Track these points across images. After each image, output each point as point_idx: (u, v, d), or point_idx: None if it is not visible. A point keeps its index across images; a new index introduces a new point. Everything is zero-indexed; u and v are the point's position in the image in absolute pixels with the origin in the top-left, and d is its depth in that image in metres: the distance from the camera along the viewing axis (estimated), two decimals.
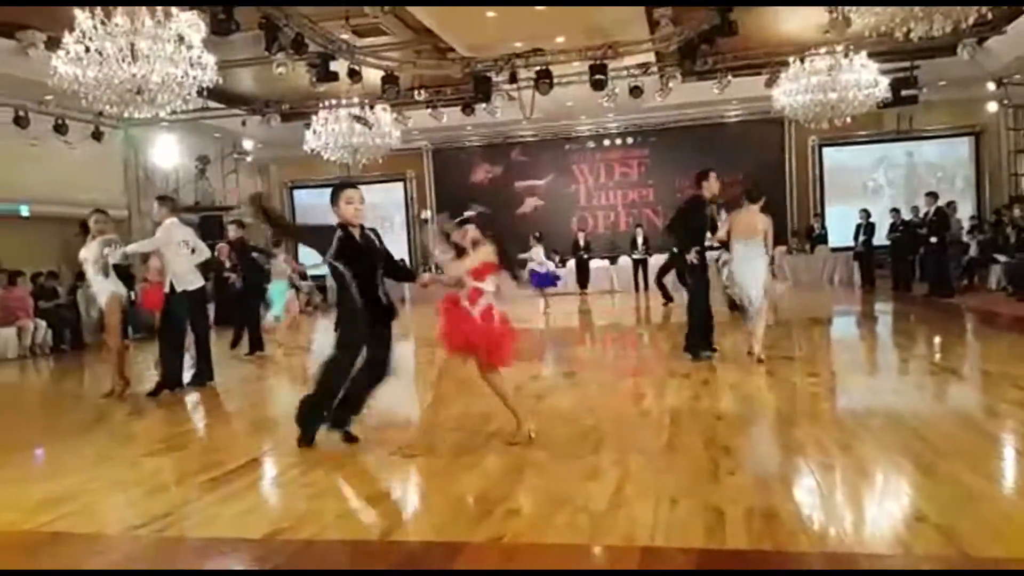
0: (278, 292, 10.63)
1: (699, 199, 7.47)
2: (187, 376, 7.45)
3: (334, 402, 4.75)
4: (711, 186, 7.44)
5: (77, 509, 3.83)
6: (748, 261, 7.18)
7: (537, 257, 14.19)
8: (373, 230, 4.87)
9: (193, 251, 7.37)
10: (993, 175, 17.97)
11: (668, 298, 13.22)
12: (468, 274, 4.59)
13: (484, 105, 14.92)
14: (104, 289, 7.27)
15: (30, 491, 4.17)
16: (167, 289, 7.27)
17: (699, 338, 7.40)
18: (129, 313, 12.69)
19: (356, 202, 4.69)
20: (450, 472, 4.10)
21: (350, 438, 4.76)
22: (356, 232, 4.69)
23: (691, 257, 7.25)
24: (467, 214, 4.73)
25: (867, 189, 18.84)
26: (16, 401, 7.51)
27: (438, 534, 3.24)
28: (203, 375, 7.52)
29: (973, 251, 14.51)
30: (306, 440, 4.74)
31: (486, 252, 4.60)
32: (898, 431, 4.45)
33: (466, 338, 4.61)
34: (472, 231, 4.66)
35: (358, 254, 4.69)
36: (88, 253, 7.27)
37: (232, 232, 10.71)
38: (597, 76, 12.94)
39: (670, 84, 14.89)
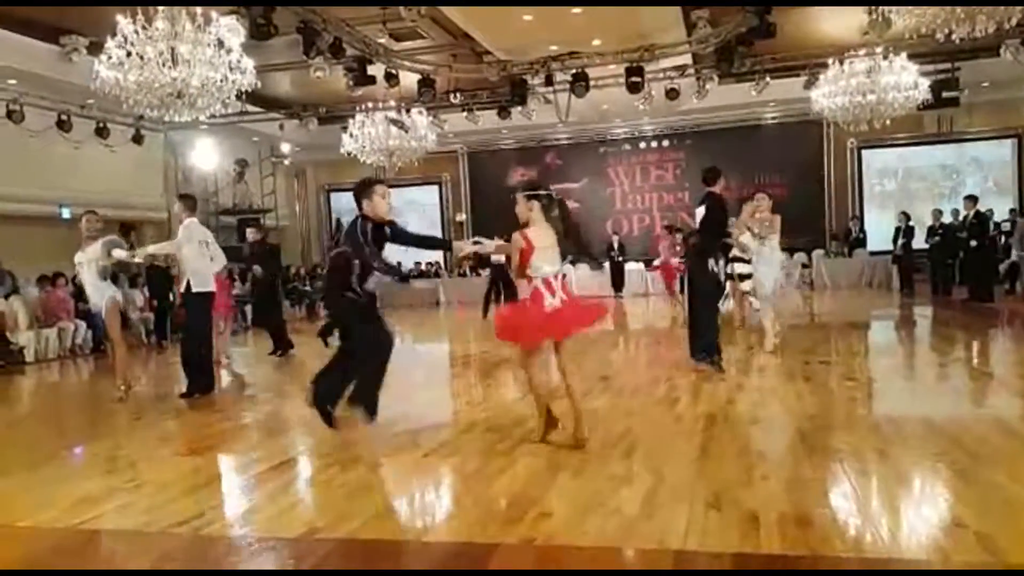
0: None
1: (721, 197, 7.20)
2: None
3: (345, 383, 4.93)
4: (723, 183, 7.26)
5: (115, 507, 3.91)
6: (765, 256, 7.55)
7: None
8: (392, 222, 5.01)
9: (212, 259, 7.31)
10: None
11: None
12: (517, 271, 4.54)
13: (520, 108, 14.96)
14: (103, 293, 7.12)
15: (69, 489, 4.26)
16: (183, 289, 7.17)
17: (713, 342, 7.04)
18: (169, 314, 13.16)
19: (389, 197, 4.88)
20: (483, 474, 4.11)
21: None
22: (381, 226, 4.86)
23: (712, 264, 7.05)
24: (538, 192, 4.66)
25: (907, 192, 18.54)
26: (56, 400, 7.69)
27: (471, 535, 3.26)
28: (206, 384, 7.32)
29: (1015, 255, 14.18)
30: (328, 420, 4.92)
31: (536, 234, 4.52)
32: (936, 437, 4.37)
33: (544, 323, 4.49)
34: (533, 208, 4.58)
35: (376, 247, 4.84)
36: (85, 256, 7.13)
37: (251, 235, 11.00)
38: (633, 79, 12.90)
39: (707, 86, 14.79)
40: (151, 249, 7.74)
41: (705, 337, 7.05)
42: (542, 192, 4.67)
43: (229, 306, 10.18)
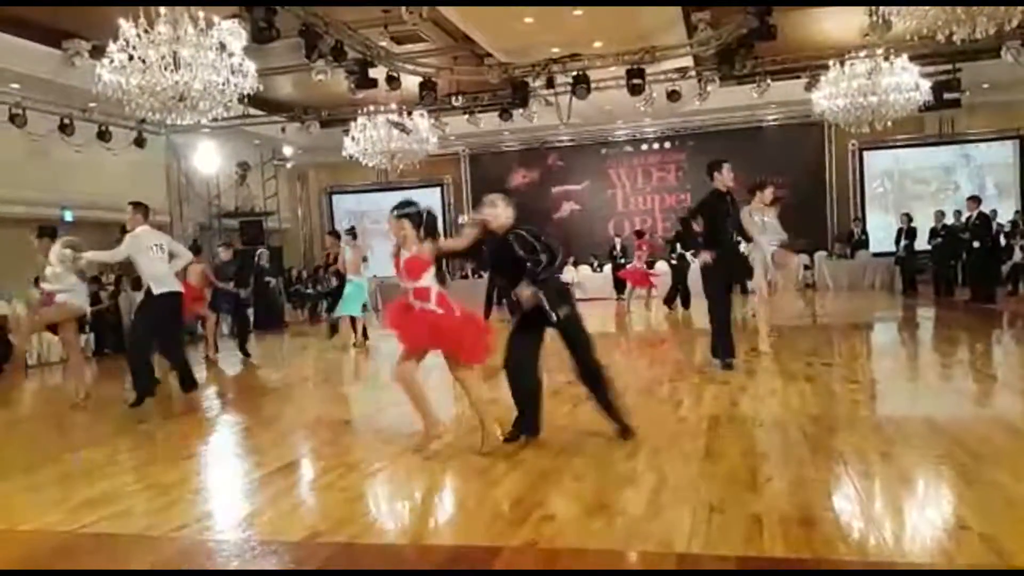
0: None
1: (716, 193, 7.17)
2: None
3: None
4: (723, 178, 7.15)
5: (118, 511, 3.90)
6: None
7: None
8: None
9: (174, 257, 7.18)
10: None
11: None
12: (403, 275, 4.63)
13: (521, 110, 14.97)
14: (68, 294, 7.19)
15: (72, 492, 4.27)
16: (143, 295, 7.11)
17: (724, 344, 7.09)
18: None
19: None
20: (486, 477, 4.11)
21: None
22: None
23: (705, 257, 7.05)
24: (407, 210, 4.65)
25: (908, 193, 18.53)
26: (59, 403, 7.69)
27: (473, 538, 3.25)
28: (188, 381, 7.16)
29: (1017, 256, 14.17)
30: None
31: (419, 249, 4.61)
32: (939, 438, 4.36)
33: (428, 331, 4.61)
34: (405, 227, 4.60)
35: None
36: (52, 256, 7.18)
37: (223, 253, 11.04)
38: (635, 81, 12.91)
39: (708, 88, 14.80)
40: (88, 255, 7.47)
41: (714, 338, 7.16)
42: (411, 211, 4.65)
43: (203, 300, 10.18)
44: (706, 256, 7.04)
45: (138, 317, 7.40)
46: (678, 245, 14.36)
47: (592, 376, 4.76)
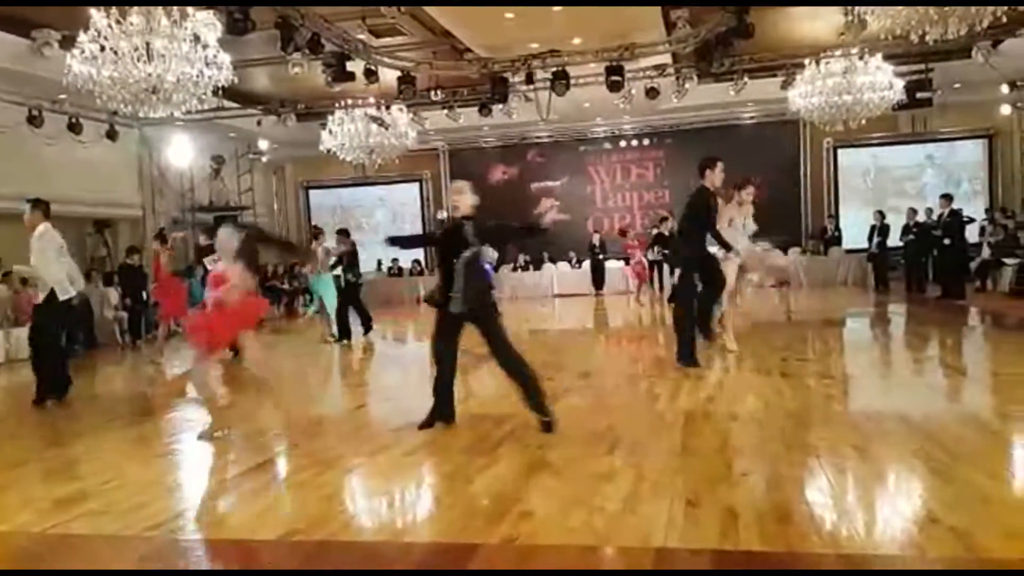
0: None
1: (705, 191, 7.06)
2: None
3: None
4: (714, 177, 7.02)
5: (92, 510, 3.86)
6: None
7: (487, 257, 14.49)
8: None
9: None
10: (1006, 177, 17.89)
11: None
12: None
13: (501, 106, 14.94)
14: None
15: (44, 492, 4.21)
16: (41, 300, 6.84)
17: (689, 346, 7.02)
18: (143, 313, 13.07)
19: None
20: (464, 473, 4.11)
21: None
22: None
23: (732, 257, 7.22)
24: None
25: (881, 191, 18.78)
26: (28, 401, 7.55)
27: (452, 535, 3.25)
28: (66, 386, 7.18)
29: (986, 253, 14.41)
30: None
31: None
32: (911, 433, 4.43)
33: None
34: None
35: None
36: None
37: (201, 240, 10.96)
38: (614, 77, 12.93)
39: (686, 85, 14.86)
40: (17, 269, 7.66)
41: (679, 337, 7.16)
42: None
43: (184, 308, 10.06)
44: (732, 256, 7.31)
45: (47, 324, 7.05)
46: (656, 247, 14.55)
47: (513, 369, 4.95)
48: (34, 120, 13.27)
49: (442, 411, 5.14)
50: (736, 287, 7.99)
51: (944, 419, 4.91)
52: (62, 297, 6.78)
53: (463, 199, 5.06)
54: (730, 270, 7.75)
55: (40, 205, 6.87)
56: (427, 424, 5.09)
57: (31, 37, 11.38)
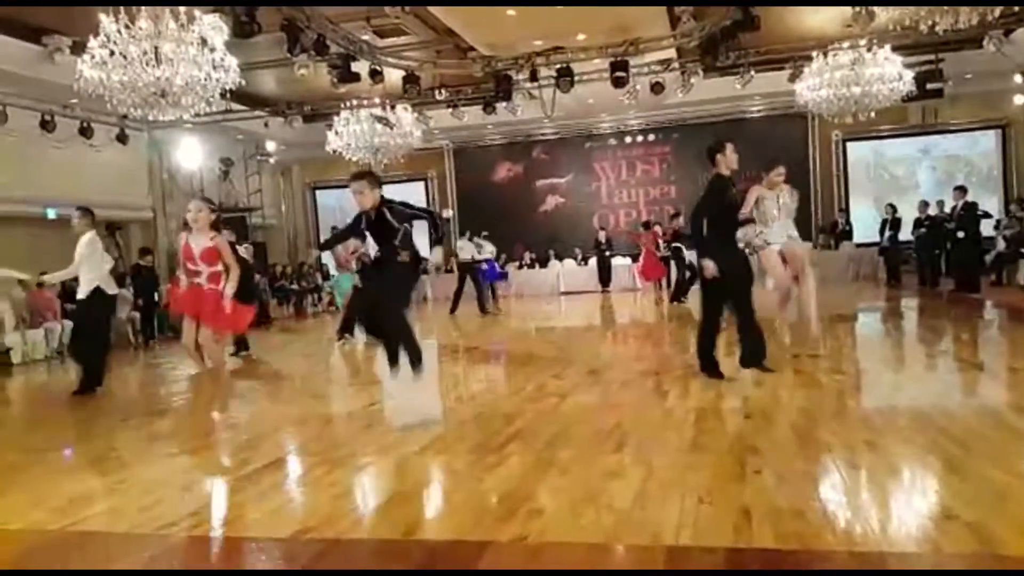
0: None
1: (719, 178, 6.16)
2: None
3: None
4: (727, 160, 6.11)
5: (105, 508, 3.88)
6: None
7: (485, 252, 14.60)
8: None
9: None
10: (1020, 168, 17.73)
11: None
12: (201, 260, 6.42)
13: (505, 104, 14.94)
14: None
15: (58, 490, 4.23)
16: (84, 294, 7.48)
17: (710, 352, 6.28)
18: (155, 313, 13.15)
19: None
20: (473, 471, 4.10)
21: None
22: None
23: (711, 268, 5.92)
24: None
25: (892, 184, 18.65)
26: (43, 401, 7.64)
27: (461, 534, 3.24)
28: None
29: (1001, 246, 14.28)
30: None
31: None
32: (925, 428, 4.39)
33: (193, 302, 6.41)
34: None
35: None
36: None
37: (242, 252, 10.98)
38: (618, 73, 12.90)
39: (692, 80, 14.81)
40: (47, 278, 8.51)
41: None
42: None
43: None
44: (711, 267, 5.92)
45: (102, 315, 7.75)
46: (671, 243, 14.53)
47: (387, 322, 5.63)
48: (46, 124, 13.39)
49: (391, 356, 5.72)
50: (787, 280, 7.12)
51: (960, 414, 4.86)
52: (111, 292, 7.55)
53: (368, 196, 5.57)
54: (773, 261, 6.94)
55: (88, 214, 7.60)
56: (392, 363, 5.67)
57: (42, 43, 11.47)
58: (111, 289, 7.60)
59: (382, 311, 5.63)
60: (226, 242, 6.70)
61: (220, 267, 6.46)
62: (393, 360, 5.61)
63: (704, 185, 6.40)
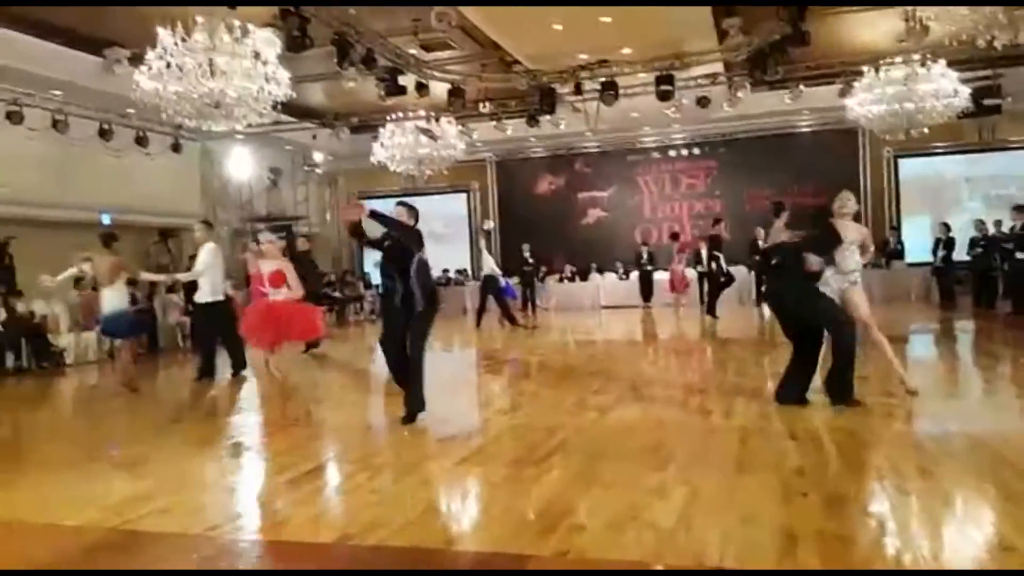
0: None
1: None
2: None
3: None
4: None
5: (156, 508, 3.95)
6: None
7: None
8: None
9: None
10: None
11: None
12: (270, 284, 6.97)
13: (548, 116, 14.95)
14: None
15: (111, 490, 4.34)
16: (202, 300, 8.73)
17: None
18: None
19: None
20: (514, 484, 4.09)
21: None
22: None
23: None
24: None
25: (945, 202, 18.18)
26: (96, 402, 7.85)
27: (502, 545, 3.23)
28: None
29: None
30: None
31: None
32: (981, 455, 4.25)
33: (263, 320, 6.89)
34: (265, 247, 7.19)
35: None
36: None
37: (300, 244, 11.09)
38: (664, 87, 12.83)
39: (739, 94, 14.66)
40: (181, 278, 10.07)
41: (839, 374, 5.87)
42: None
43: None
44: (814, 261, 5.75)
45: (222, 318, 8.86)
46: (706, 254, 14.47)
47: (411, 361, 5.77)
48: (105, 134, 13.77)
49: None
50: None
51: (1018, 441, 4.70)
52: (221, 297, 8.74)
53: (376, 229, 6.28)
54: (859, 299, 6.49)
55: (209, 226, 8.98)
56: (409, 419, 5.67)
57: (103, 55, 11.82)
58: (221, 295, 8.79)
59: (409, 349, 5.84)
60: (291, 266, 7.26)
61: (286, 289, 7.03)
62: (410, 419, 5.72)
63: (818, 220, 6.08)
